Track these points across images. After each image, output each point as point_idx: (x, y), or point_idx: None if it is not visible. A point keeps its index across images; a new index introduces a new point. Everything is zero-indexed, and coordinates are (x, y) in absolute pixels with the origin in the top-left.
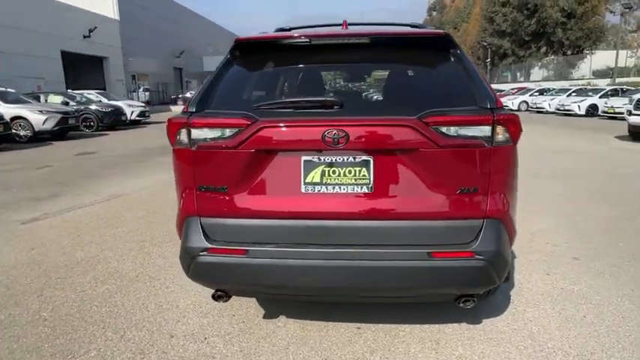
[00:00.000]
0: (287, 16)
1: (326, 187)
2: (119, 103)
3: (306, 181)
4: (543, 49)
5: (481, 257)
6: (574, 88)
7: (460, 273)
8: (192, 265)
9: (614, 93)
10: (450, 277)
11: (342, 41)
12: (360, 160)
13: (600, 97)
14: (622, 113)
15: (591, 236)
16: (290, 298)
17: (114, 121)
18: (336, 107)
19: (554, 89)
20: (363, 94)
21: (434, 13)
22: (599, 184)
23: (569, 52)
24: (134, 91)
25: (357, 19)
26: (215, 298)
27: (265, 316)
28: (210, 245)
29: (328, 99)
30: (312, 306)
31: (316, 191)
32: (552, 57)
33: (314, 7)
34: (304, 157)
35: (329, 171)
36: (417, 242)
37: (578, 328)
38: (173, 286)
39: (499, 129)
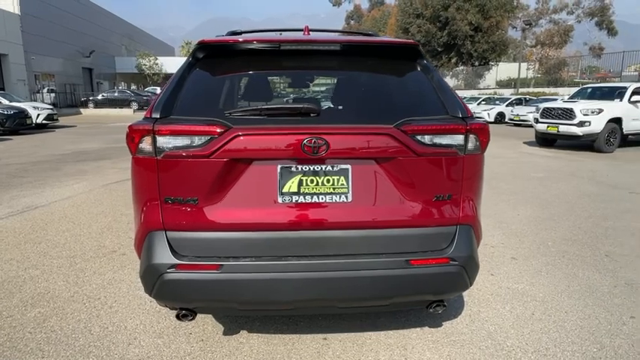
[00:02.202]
0: (201, 18)
1: (304, 197)
2: (23, 105)
3: (283, 190)
4: (454, 60)
5: (456, 263)
6: (483, 97)
7: (437, 279)
8: (158, 284)
9: (519, 102)
10: (427, 283)
11: (313, 47)
12: (338, 168)
13: (507, 106)
14: (527, 120)
15: (522, 237)
16: (265, 313)
17: (17, 124)
18: (312, 115)
19: (465, 97)
20: (335, 102)
21: (352, 22)
22: (518, 186)
23: (477, 63)
24: (38, 92)
25: (276, 24)
26: (179, 317)
27: (225, 333)
28: (178, 261)
29: (306, 106)
30: (275, 318)
31: (293, 201)
32: (462, 67)
33: (230, 10)
34: (280, 166)
35: (306, 180)
36: (395, 250)
37: (530, 325)
38: (117, 306)
39: (471, 137)
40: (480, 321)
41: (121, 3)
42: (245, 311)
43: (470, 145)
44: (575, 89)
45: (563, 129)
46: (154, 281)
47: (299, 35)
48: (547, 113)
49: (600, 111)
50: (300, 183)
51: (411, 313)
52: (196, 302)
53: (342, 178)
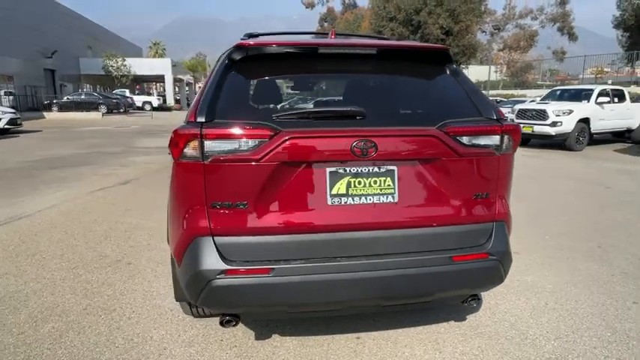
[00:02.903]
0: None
1: (352, 199)
2: None
3: (332, 192)
4: None
5: (494, 257)
6: None
7: (477, 274)
8: (207, 290)
9: None
10: (468, 278)
11: (351, 51)
12: (384, 169)
13: None
14: None
15: (520, 232)
16: (312, 315)
17: None
18: (358, 117)
19: None
20: (373, 105)
21: (325, 24)
22: None
23: None
24: None
25: (249, 26)
26: (223, 324)
27: (258, 338)
28: (228, 267)
29: (353, 109)
30: (305, 320)
31: (342, 203)
32: None
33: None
34: (329, 169)
35: (354, 182)
36: (439, 248)
37: (546, 315)
38: (136, 317)
39: (506, 138)
40: (500, 313)
41: (81, 1)
42: (292, 314)
43: (504, 145)
44: (539, 91)
45: (537, 129)
46: (202, 288)
47: (337, 39)
48: (522, 114)
49: (570, 112)
50: (349, 185)
51: (435, 309)
52: (246, 307)
53: (389, 179)
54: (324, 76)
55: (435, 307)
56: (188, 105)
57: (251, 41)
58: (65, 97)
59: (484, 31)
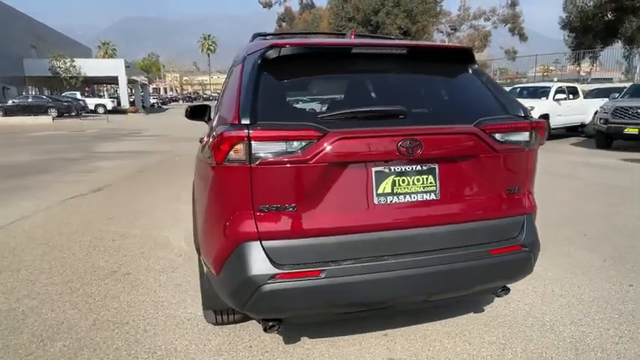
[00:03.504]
0: (114, 16)
1: (397, 197)
2: None
3: (378, 192)
4: None
5: (527, 249)
6: None
7: (512, 266)
8: (256, 296)
9: None
10: (504, 270)
11: (383, 51)
12: (427, 167)
13: None
14: None
15: None
16: (359, 314)
17: None
18: (401, 117)
19: None
20: (408, 104)
21: (283, 24)
22: None
23: None
24: None
25: (203, 26)
26: (267, 329)
27: (287, 342)
28: (278, 271)
29: (397, 108)
30: (328, 322)
31: (388, 202)
32: None
33: (147, 9)
34: (375, 168)
35: (399, 180)
36: (478, 242)
37: (556, 301)
38: (152, 329)
39: (534, 134)
40: (514, 302)
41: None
42: (338, 315)
43: (533, 141)
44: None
45: None
46: (251, 294)
47: (368, 40)
48: None
49: (532, 108)
50: (394, 183)
51: (454, 303)
52: (295, 311)
53: (431, 176)
54: (357, 76)
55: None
56: (144, 107)
57: (284, 41)
58: (10, 101)
59: (441, 32)
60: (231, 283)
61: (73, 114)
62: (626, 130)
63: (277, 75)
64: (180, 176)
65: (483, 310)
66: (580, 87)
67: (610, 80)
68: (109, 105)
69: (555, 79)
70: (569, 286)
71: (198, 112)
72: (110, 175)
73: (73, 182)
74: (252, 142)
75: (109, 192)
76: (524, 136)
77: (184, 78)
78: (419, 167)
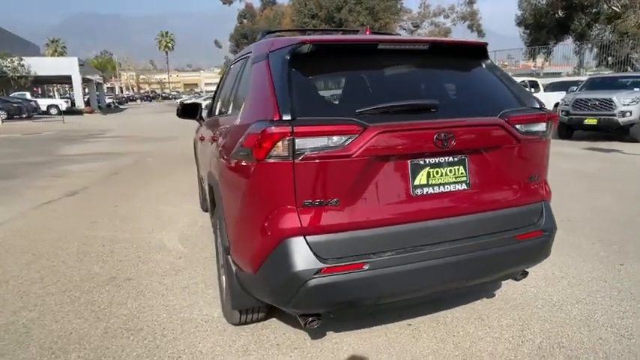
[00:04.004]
0: (63, 13)
1: (432, 188)
2: None
3: (415, 184)
4: None
5: (547, 233)
6: None
7: (534, 250)
8: (302, 291)
9: None
10: (527, 254)
11: (406, 47)
12: (458, 158)
13: None
14: None
15: None
16: (398, 304)
17: None
18: (432, 110)
19: None
20: (434, 97)
21: (245, 21)
22: None
23: None
24: None
25: (158, 23)
26: (307, 324)
27: (313, 337)
28: (323, 265)
29: (430, 102)
30: (348, 317)
31: (424, 193)
32: None
33: (98, 5)
34: (411, 161)
35: (433, 172)
36: (504, 228)
37: (558, 283)
38: (170, 333)
39: (549, 124)
40: (521, 286)
41: None
42: (384, 304)
43: (548, 131)
44: None
45: None
46: (297, 289)
47: (394, 36)
48: None
49: None
50: (429, 175)
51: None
52: (339, 304)
53: (461, 167)
54: (383, 71)
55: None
56: (100, 107)
57: (313, 38)
58: None
59: (404, 29)
60: (275, 279)
61: (24, 116)
62: (586, 120)
63: (308, 70)
64: (157, 177)
65: (495, 295)
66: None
67: (559, 74)
68: (63, 106)
69: (510, 74)
70: (567, 268)
71: (190, 111)
72: (82, 179)
73: (43, 187)
74: (296, 138)
75: (85, 196)
76: (541, 127)
77: (141, 76)
78: (451, 158)
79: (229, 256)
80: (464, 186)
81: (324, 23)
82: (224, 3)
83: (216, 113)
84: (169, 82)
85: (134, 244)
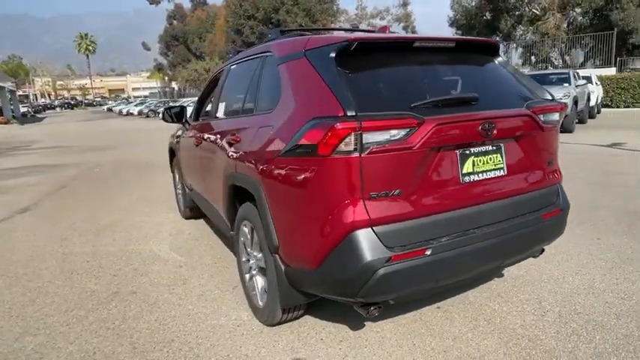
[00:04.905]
0: None
1: (477, 175)
2: None
3: (463, 172)
4: None
5: (564, 212)
6: None
7: (555, 227)
8: (372, 281)
9: None
10: (550, 231)
11: (439, 44)
12: (495, 147)
13: None
14: None
15: None
16: (446, 288)
17: None
18: (473, 103)
19: None
20: (469, 91)
21: (175, 22)
22: None
23: None
24: None
25: (72, 23)
26: (369, 313)
27: (353, 328)
28: (391, 254)
29: (473, 95)
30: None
31: (471, 180)
32: None
33: (8, 6)
34: (459, 150)
35: (477, 160)
36: (534, 209)
37: (554, 259)
38: (205, 342)
39: (561, 114)
40: (523, 265)
41: None
42: (439, 288)
43: (560, 120)
44: None
45: None
46: (368, 279)
47: (425, 35)
48: None
49: None
50: (474, 163)
51: None
52: (404, 290)
53: (498, 155)
54: (418, 67)
55: None
56: (14, 117)
57: (355, 36)
58: None
59: (344, 30)
60: (343, 272)
61: None
62: None
63: (354, 68)
64: (115, 187)
65: (503, 275)
66: None
67: None
68: None
69: None
70: (555, 245)
71: (176, 115)
72: (27, 194)
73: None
74: (364, 133)
75: (40, 212)
76: (556, 116)
77: (58, 82)
78: (490, 147)
79: (277, 256)
80: (501, 172)
81: (262, 24)
82: (151, 3)
83: (221, 115)
84: (92, 88)
85: (123, 257)
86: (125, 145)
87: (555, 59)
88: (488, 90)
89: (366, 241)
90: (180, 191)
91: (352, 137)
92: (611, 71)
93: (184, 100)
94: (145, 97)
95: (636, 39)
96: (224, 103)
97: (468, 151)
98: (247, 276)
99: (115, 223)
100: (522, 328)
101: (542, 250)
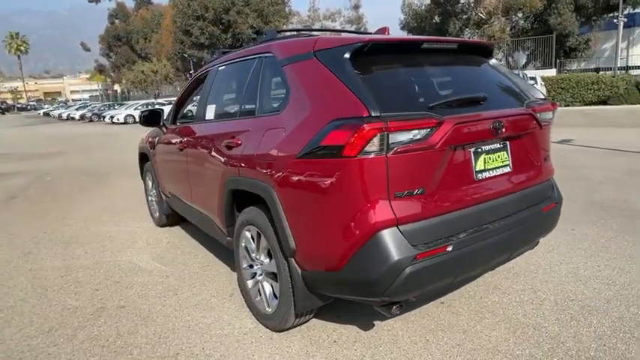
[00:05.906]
0: None
1: (488, 172)
2: None
3: (476, 169)
4: None
5: (559, 205)
6: None
7: (551, 220)
8: (399, 280)
9: None
10: (548, 224)
11: (444, 46)
12: (502, 145)
13: None
14: None
15: None
16: (461, 284)
17: None
18: (482, 103)
19: None
20: (474, 90)
21: (117, 21)
22: None
23: None
24: None
25: (1, 24)
26: (391, 312)
27: (364, 328)
28: (417, 251)
29: (483, 95)
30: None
31: (483, 177)
32: None
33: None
34: (472, 148)
35: (487, 158)
36: (535, 203)
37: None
38: (216, 353)
39: (554, 112)
40: (524, 255)
41: None
42: (456, 283)
43: (553, 118)
44: None
45: None
46: (395, 278)
47: (430, 37)
48: None
49: None
50: (485, 161)
51: None
52: (427, 287)
53: (505, 152)
54: (426, 67)
55: None
56: None
57: (369, 37)
58: None
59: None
60: (369, 272)
61: None
62: None
63: (368, 68)
64: (75, 195)
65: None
66: None
67: None
68: None
69: None
70: (562, 244)
71: (153, 119)
72: None
73: None
74: (390, 133)
75: None
76: (550, 115)
77: None
78: (498, 145)
79: (292, 260)
80: (508, 169)
81: (212, 25)
82: (90, 1)
83: (211, 117)
84: (25, 91)
85: (100, 270)
86: (73, 151)
87: (500, 61)
88: (491, 90)
89: (393, 241)
90: (154, 198)
91: (379, 138)
92: (552, 72)
93: (131, 102)
94: (86, 100)
95: (572, 42)
96: (214, 106)
97: (479, 149)
98: (250, 282)
99: (83, 235)
100: (525, 317)
101: (537, 242)
